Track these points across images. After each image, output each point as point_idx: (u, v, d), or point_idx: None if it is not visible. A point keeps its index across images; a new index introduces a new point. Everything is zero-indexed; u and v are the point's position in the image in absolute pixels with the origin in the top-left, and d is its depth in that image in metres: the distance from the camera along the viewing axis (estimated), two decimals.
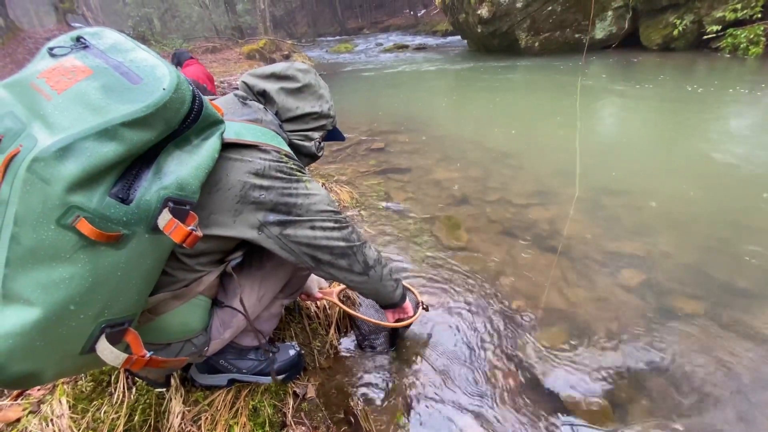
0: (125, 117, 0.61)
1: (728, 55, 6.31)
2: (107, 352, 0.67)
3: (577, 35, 8.26)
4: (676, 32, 6.89)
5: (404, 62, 10.22)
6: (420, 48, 13.31)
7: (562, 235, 2.08)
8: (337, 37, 22.63)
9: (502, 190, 2.63)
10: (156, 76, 0.66)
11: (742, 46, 6.10)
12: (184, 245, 0.68)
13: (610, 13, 7.84)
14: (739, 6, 6.19)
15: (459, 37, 12.20)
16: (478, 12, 8.90)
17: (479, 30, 9.38)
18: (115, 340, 0.69)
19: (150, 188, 0.66)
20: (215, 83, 5.34)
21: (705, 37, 6.67)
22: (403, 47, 13.78)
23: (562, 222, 2.20)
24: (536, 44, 8.61)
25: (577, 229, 2.13)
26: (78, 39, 0.69)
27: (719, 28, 6.45)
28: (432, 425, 1.18)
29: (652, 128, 3.73)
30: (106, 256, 0.63)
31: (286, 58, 12.18)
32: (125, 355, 0.69)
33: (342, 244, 0.97)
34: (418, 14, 22.97)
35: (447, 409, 1.22)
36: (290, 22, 29.46)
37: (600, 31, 8.07)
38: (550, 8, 8.11)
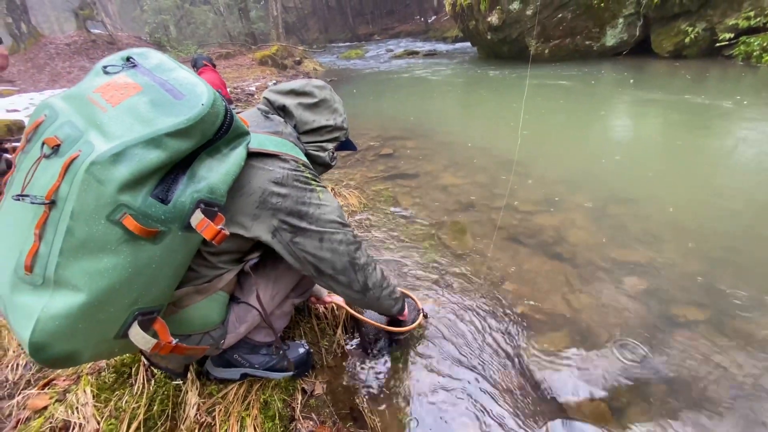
0: (170, 128, 0.70)
1: (741, 63, 6.25)
2: (139, 336, 0.75)
3: (587, 42, 8.26)
4: (687, 40, 6.85)
5: (414, 68, 10.32)
6: (430, 54, 13.40)
7: (567, 242, 2.11)
8: (348, 43, 22.90)
9: (509, 196, 2.66)
10: (196, 93, 0.74)
11: (755, 54, 6.04)
12: (213, 242, 0.75)
13: (620, 20, 7.83)
14: (752, 14, 6.15)
15: (469, 43, 12.26)
16: (488, 19, 8.96)
17: (489, 37, 9.44)
18: (145, 327, 0.77)
19: (185, 191, 0.74)
20: (227, 89, 5.47)
21: (717, 44, 6.63)
22: (414, 53, 13.89)
23: (568, 229, 2.23)
24: (546, 51, 8.63)
25: (583, 236, 2.15)
26: (128, 59, 0.79)
27: (732, 35, 6.41)
28: (433, 425, 1.22)
29: (662, 137, 3.73)
30: (144, 249, 0.71)
31: (298, 63, 12.37)
32: (154, 340, 0.76)
33: (345, 260, 1.03)
34: (429, 21, 23.12)
35: (448, 410, 1.26)
36: (302, 29, 29.87)
37: (611, 39, 8.06)
38: (560, 15, 8.13)
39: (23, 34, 13.64)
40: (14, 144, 3.75)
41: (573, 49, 8.42)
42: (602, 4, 7.68)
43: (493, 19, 8.85)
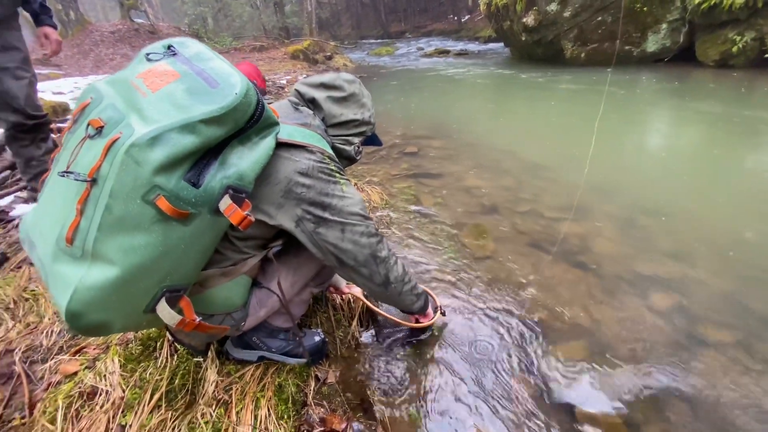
0: (204, 115, 0.73)
1: None
2: (166, 312, 0.79)
3: (626, 47, 7.96)
4: (735, 49, 6.50)
5: (444, 67, 10.23)
6: (461, 54, 13.25)
7: (592, 252, 2.06)
8: (379, 40, 22.91)
9: (534, 201, 2.62)
10: (230, 83, 0.77)
11: None
12: (239, 227, 0.78)
13: (664, 25, 7.50)
14: None
15: (502, 44, 12.06)
16: (524, 20, 8.78)
17: (523, 38, 9.24)
18: (172, 304, 0.81)
19: (216, 176, 0.77)
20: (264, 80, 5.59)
21: (767, 55, 6.26)
22: (445, 52, 13.76)
23: (594, 238, 2.17)
24: (582, 55, 8.37)
25: (609, 247, 2.09)
26: (169, 47, 0.83)
27: None
28: (443, 424, 1.22)
29: (701, 149, 3.57)
30: (175, 230, 0.75)
31: (329, 59, 12.49)
32: (179, 317, 0.80)
33: (367, 252, 1.04)
34: (462, 20, 22.84)
35: (459, 410, 1.26)
36: (335, 24, 30.10)
37: (652, 44, 7.74)
38: (599, 18, 7.87)
39: (71, 20, 14.35)
40: (59, 125, 3.96)
41: (611, 54, 8.13)
42: (645, 8, 7.39)
43: (529, 20, 8.66)
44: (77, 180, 0.71)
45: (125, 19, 14.78)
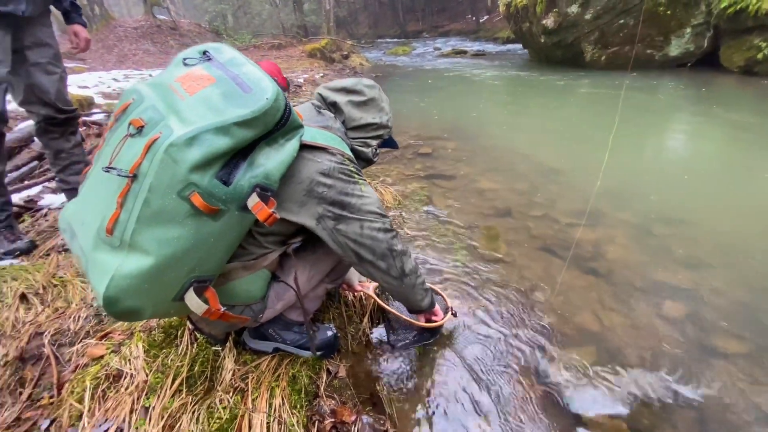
0: (237, 118, 0.78)
1: None
2: (193, 301, 0.84)
3: (648, 51, 7.82)
4: (760, 55, 6.33)
5: (461, 68, 10.20)
6: (478, 54, 13.18)
7: (605, 258, 2.06)
8: (396, 40, 22.91)
9: (548, 206, 2.61)
10: (262, 87, 0.82)
11: None
12: (265, 224, 0.84)
13: (688, 30, 7.35)
14: None
15: (520, 45, 11.94)
16: (543, 22, 8.69)
17: (543, 40, 9.15)
18: (199, 294, 0.86)
19: (245, 176, 0.83)
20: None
21: None
22: (462, 53, 13.70)
23: (607, 245, 2.16)
24: (603, 58, 8.25)
25: (623, 254, 2.09)
26: (204, 53, 0.88)
27: None
28: (449, 423, 1.24)
29: (721, 157, 3.50)
30: (206, 224, 0.80)
31: (345, 58, 12.56)
32: (205, 306, 0.86)
33: (384, 246, 1.09)
34: (480, 20, 22.68)
35: (466, 410, 1.28)
36: (352, 23, 30.19)
37: (675, 49, 7.59)
38: (621, 21, 7.74)
39: (95, 15, 14.76)
40: (84, 118, 4.11)
41: (632, 57, 7.99)
42: (669, 12, 7.24)
43: (549, 21, 8.57)
44: (120, 175, 0.77)
45: (148, 15, 15.12)
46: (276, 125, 0.86)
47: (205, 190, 0.77)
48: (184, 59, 0.90)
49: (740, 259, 2.02)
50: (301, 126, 0.94)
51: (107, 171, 0.78)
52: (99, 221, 0.80)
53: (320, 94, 1.23)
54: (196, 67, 0.87)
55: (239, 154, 0.83)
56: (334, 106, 1.20)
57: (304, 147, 0.98)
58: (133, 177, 0.76)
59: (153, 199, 0.75)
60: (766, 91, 5.67)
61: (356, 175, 1.08)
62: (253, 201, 0.83)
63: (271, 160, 0.86)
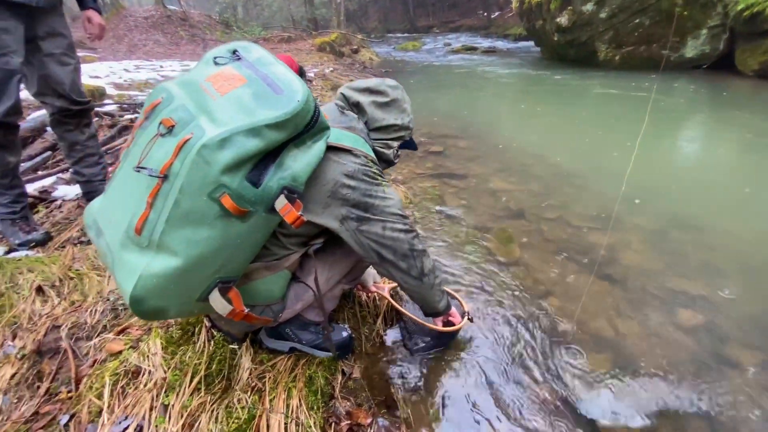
0: (269, 120, 0.78)
1: None
2: (218, 302, 0.85)
3: (663, 52, 7.69)
4: None
5: (471, 65, 10.11)
6: (489, 51, 13.04)
7: (620, 264, 2.03)
8: (406, 35, 22.73)
9: (562, 208, 2.59)
10: (293, 89, 0.81)
11: None
12: (292, 226, 0.83)
13: (704, 31, 7.21)
14: None
15: (532, 43, 11.81)
16: (557, 19, 8.58)
17: (556, 38, 9.04)
18: (223, 294, 0.86)
19: (273, 177, 0.82)
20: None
21: None
22: (472, 49, 13.57)
23: (622, 250, 2.14)
24: (617, 58, 8.13)
25: (638, 260, 2.06)
26: (234, 52, 0.86)
27: None
28: (463, 427, 1.24)
29: (739, 163, 3.44)
30: (234, 226, 0.80)
31: (355, 52, 12.49)
32: (231, 307, 0.86)
33: (405, 247, 1.09)
34: (492, 16, 22.44)
35: (480, 415, 1.28)
36: (362, 17, 30.00)
37: (691, 50, 7.46)
38: (637, 21, 7.61)
39: (106, 4, 14.78)
40: (97, 109, 4.12)
41: (647, 57, 7.87)
42: (686, 12, 7.11)
43: (563, 19, 8.45)
44: (151, 175, 0.77)
45: (158, 5, 15.12)
46: (305, 127, 0.85)
47: (236, 191, 0.77)
48: (215, 58, 0.89)
49: (757, 269, 1.99)
50: (328, 128, 0.93)
51: (138, 171, 0.78)
52: (128, 220, 0.80)
53: (343, 94, 1.22)
54: (227, 66, 0.87)
55: (268, 156, 0.82)
56: (357, 107, 1.19)
57: (329, 148, 0.97)
58: (164, 177, 0.76)
59: (183, 200, 0.75)
60: None
61: (379, 177, 1.07)
62: (281, 203, 0.83)
63: (299, 162, 0.86)
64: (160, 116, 0.82)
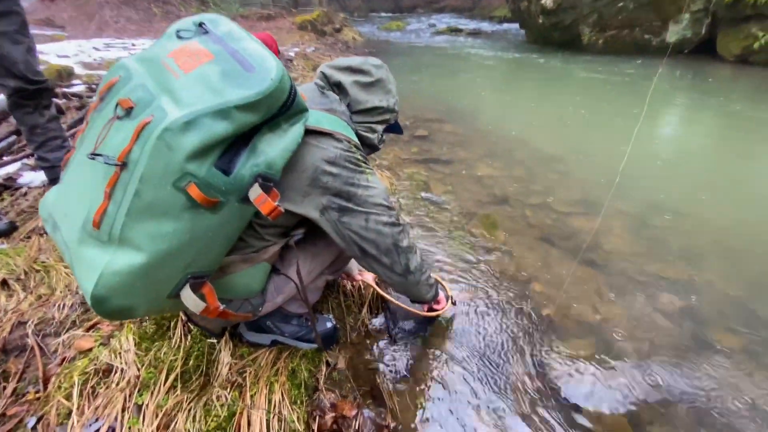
0: (239, 101, 0.70)
1: None
2: (190, 299, 0.78)
3: (646, 36, 7.73)
4: (756, 45, 6.31)
5: (456, 46, 9.96)
6: (474, 33, 12.85)
7: (602, 249, 2.05)
8: (390, 14, 22.16)
9: (546, 194, 2.59)
10: (266, 67, 0.73)
11: None
12: (269, 217, 0.76)
13: (686, 16, 7.26)
14: None
15: (516, 25, 11.67)
16: (542, 1, 8.48)
17: (540, 21, 8.95)
18: (195, 290, 0.80)
19: (246, 164, 0.75)
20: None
21: None
22: (457, 31, 13.34)
23: (604, 235, 2.16)
24: (600, 41, 8.14)
25: (620, 245, 2.08)
26: (200, 24, 0.78)
27: None
28: (448, 415, 1.23)
29: (717, 148, 3.51)
30: (203, 218, 0.73)
31: (337, 31, 12.13)
32: (204, 304, 0.80)
33: (389, 242, 1.03)
34: None
35: (465, 402, 1.27)
36: None
37: (673, 35, 7.51)
38: (621, 4, 7.60)
39: None
40: (64, 90, 3.88)
41: (630, 42, 7.90)
42: None
43: (548, 1, 8.36)
44: (108, 164, 0.69)
45: None
46: (280, 109, 0.77)
47: (203, 180, 0.70)
48: (178, 31, 0.80)
49: (735, 253, 2.04)
50: (306, 110, 0.86)
51: (93, 158, 0.70)
52: (84, 213, 0.72)
53: (323, 73, 1.13)
54: (192, 40, 0.78)
55: (239, 141, 0.75)
56: (338, 87, 1.11)
57: (308, 132, 0.90)
58: (122, 165, 0.69)
59: (145, 190, 0.68)
60: (759, 82, 5.68)
61: (363, 164, 1.01)
62: (256, 193, 0.76)
63: (274, 147, 0.78)
64: (117, 96, 0.74)
